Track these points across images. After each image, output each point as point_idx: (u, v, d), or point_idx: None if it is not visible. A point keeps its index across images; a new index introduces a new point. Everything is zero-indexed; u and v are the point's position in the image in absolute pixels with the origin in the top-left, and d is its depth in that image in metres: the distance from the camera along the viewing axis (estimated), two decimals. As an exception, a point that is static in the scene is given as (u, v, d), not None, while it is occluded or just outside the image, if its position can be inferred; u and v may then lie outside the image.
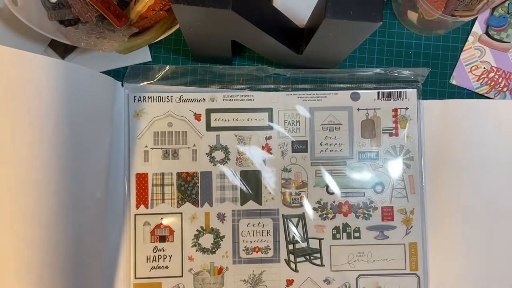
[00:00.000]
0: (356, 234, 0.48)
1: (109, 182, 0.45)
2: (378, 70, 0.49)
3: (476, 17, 0.49)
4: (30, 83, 0.36)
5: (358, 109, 0.48)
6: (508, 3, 0.49)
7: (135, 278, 0.46)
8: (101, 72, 0.45)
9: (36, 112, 0.36)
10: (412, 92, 0.48)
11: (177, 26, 0.43)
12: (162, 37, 0.44)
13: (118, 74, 0.49)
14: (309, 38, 0.40)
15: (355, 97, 0.48)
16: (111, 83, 0.45)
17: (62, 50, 0.48)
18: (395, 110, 0.49)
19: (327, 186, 0.48)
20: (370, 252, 0.48)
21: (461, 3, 0.45)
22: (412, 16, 0.47)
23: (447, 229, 0.47)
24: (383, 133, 0.48)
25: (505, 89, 0.50)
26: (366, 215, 0.48)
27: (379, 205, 0.48)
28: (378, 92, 0.48)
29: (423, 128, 0.48)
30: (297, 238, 0.47)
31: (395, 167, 0.48)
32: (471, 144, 0.47)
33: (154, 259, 0.46)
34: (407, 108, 0.48)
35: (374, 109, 0.48)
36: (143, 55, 0.49)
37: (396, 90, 0.49)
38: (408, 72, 0.48)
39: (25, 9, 0.43)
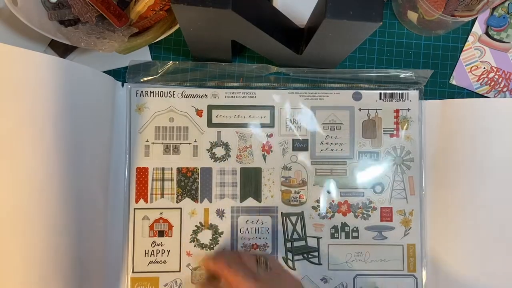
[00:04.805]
0: (355, 234, 0.48)
1: (109, 176, 0.46)
2: (380, 70, 0.49)
3: (476, 17, 0.49)
4: (33, 81, 0.36)
5: (360, 109, 0.48)
6: (508, 3, 0.49)
7: (133, 272, 0.46)
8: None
9: (38, 110, 0.36)
10: (414, 94, 0.48)
11: (177, 26, 0.43)
12: (162, 37, 0.44)
13: (118, 74, 0.49)
14: (309, 38, 0.40)
15: (357, 97, 0.48)
16: (111, 82, 0.45)
17: (62, 50, 0.48)
18: (397, 111, 0.48)
19: (327, 185, 0.48)
20: (368, 252, 0.48)
21: (461, 3, 0.45)
22: (412, 16, 0.47)
23: (446, 231, 0.47)
24: (384, 133, 0.48)
25: (505, 89, 0.49)
26: (365, 215, 0.48)
27: (378, 206, 0.48)
28: (380, 93, 0.49)
29: (424, 130, 0.48)
30: (296, 236, 0.47)
31: (395, 168, 0.48)
32: (471, 144, 0.47)
33: (152, 253, 0.46)
34: (408, 110, 0.48)
35: (376, 109, 0.48)
36: (143, 55, 0.49)
37: (398, 91, 0.49)
38: (410, 73, 0.48)
39: (25, 9, 0.43)
